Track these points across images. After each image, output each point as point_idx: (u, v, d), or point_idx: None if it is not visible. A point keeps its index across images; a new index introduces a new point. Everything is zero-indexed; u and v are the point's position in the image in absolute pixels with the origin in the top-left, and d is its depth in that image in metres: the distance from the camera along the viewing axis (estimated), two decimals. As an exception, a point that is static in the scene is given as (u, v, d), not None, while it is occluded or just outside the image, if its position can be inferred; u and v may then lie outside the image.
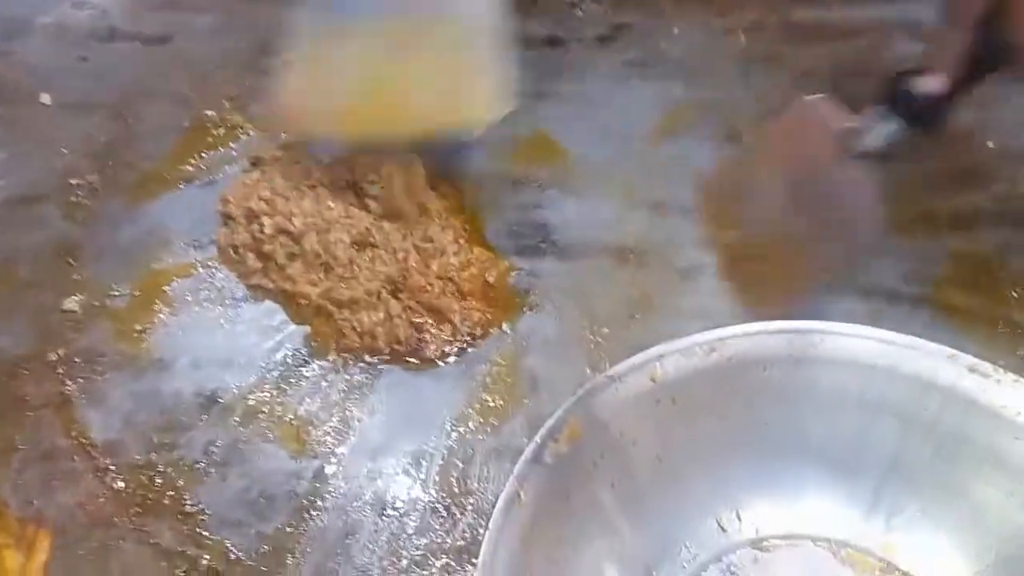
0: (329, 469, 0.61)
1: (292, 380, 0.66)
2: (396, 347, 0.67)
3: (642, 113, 0.81)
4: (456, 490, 0.60)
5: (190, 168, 0.78)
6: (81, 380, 0.65)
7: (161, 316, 0.69)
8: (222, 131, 0.81)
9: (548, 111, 0.81)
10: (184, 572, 0.57)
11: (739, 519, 0.56)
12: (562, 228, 0.74)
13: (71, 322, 0.69)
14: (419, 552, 0.58)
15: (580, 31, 0.88)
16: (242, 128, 0.81)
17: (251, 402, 0.64)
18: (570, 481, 0.53)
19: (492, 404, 0.64)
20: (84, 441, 0.63)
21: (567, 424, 0.53)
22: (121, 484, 0.61)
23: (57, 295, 0.70)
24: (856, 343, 0.56)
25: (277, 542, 0.58)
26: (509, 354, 0.67)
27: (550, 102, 0.82)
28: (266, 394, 0.65)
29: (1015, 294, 0.67)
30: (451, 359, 0.66)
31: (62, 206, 0.76)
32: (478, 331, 0.68)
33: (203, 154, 0.79)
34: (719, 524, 0.56)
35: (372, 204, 0.71)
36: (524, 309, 0.69)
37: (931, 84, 0.58)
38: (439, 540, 0.58)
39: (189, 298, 0.70)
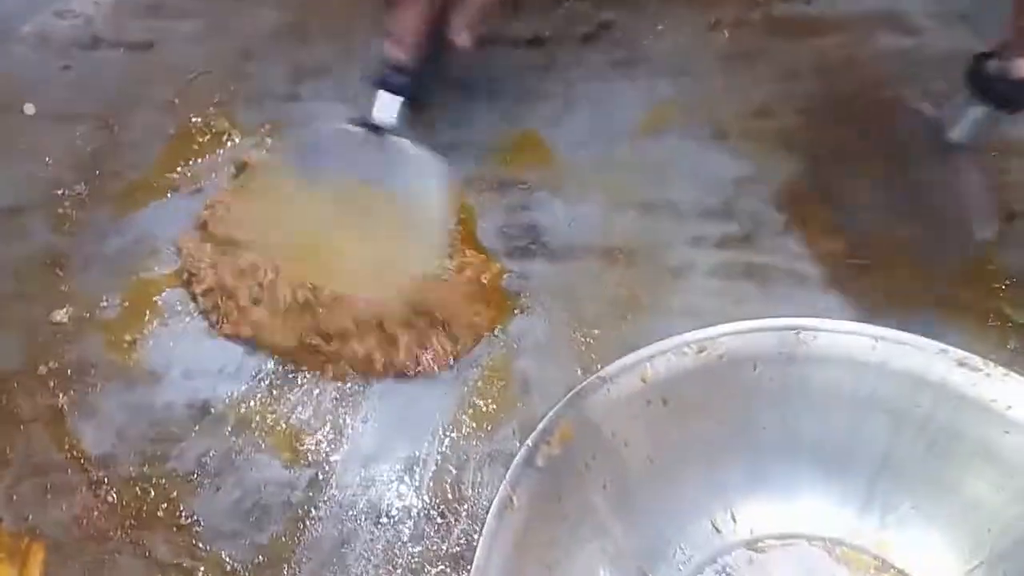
0: (323, 478, 0.61)
1: (283, 388, 0.65)
2: (393, 368, 0.66)
3: (628, 112, 0.81)
4: (450, 496, 0.60)
5: (176, 176, 0.78)
6: (73, 393, 0.65)
7: (151, 326, 0.69)
8: (208, 137, 0.81)
9: (534, 112, 0.81)
10: (180, 584, 0.57)
11: (733, 519, 0.57)
12: (551, 229, 0.73)
13: (61, 334, 0.68)
14: (415, 560, 0.58)
15: (564, 30, 0.88)
16: (228, 134, 0.81)
17: (243, 411, 0.64)
18: (562, 484, 0.53)
19: (484, 409, 0.64)
20: (77, 454, 0.63)
21: (558, 426, 0.54)
22: (115, 497, 0.61)
23: (46, 307, 0.69)
24: (847, 339, 0.57)
25: (272, 552, 0.58)
26: (500, 357, 0.67)
27: (535, 103, 0.82)
28: (258, 403, 0.65)
29: (1005, 287, 0.67)
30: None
31: (48, 217, 0.75)
32: (474, 338, 0.67)
33: (189, 161, 0.79)
34: (713, 525, 0.56)
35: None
36: (515, 311, 0.69)
37: (1019, 67, 0.58)
38: (434, 547, 0.58)
39: (179, 308, 0.70)
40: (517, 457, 0.53)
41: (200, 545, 0.59)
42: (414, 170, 0.70)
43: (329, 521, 0.60)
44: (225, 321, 0.68)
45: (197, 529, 0.59)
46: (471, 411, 0.64)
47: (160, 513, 0.60)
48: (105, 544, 0.59)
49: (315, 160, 0.71)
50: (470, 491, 0.60)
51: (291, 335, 0.67)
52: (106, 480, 0.61)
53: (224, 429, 0.64)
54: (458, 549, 0.58)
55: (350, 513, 0.60)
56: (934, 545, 0.54)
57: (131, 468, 0.62)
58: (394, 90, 0.68)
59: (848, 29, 0.86)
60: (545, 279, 0.71)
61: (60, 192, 0.77)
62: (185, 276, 0.70)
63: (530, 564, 0.51)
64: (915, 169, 0.63)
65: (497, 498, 0.51)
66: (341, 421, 0.64)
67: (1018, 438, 0.53)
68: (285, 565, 0.58)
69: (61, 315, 0.69)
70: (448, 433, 0.63)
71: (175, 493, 0.61)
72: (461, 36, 0.68)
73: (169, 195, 0.77)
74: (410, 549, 0.58)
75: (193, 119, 0.82)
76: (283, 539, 0.59)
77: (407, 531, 0.59)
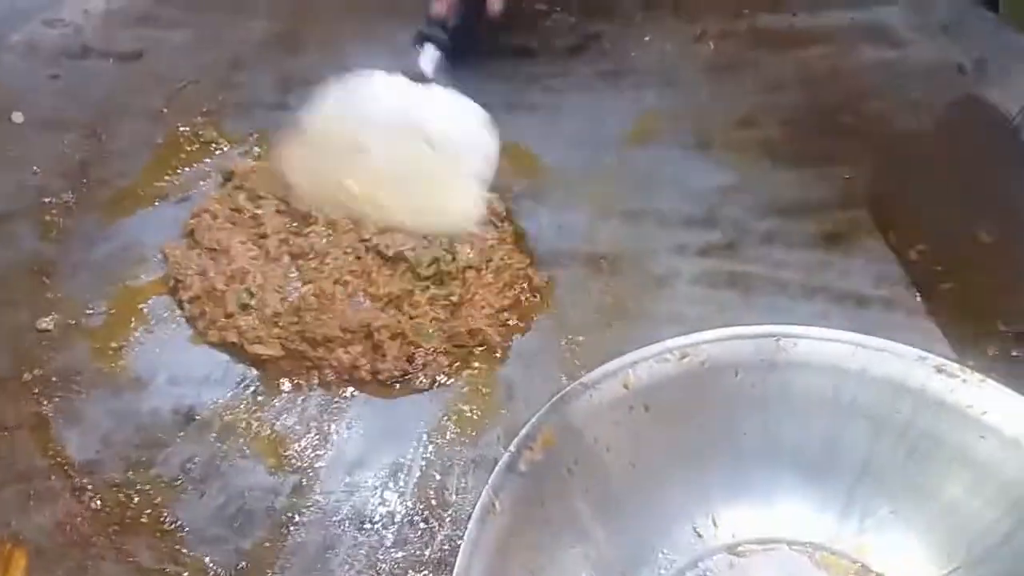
0: (307, 483, 0.62)
1: (268, 395, 0.66)
2: (379, 375, 0.66)
3: (614, 122, 0.82)
4: (434, 502, 0.60)
5: (164, 184, 0.78)
6: (58, 399, 0.65)
7: (137, 334, 0.69)
8: (196, 146, 0.81)
9: (521, 121, 0.82)
10: (163, 589, 0.58)
11: (715, 524, 0.57)
12: (537, 237, 0.74)
13: (47, 341, 0.68)
14: (398, 565, 0.58)
15: (551, 41, 0.89)
16: (216, 143, 0.81)
17: (228, 418, 0.65)
18: (545, 489, 0.54)
19: (469, 415, 0.64)
20: (61, 460, 0.63)
21: (541, 432, 0.54)
22: (99, 503, 0.61)
23: (32, 314, 0.70)
24: (828, 347, 0.57)
25: (256, 558, 0.58)
26: (485, 364, 0.67)
27: (522, 113, 0.83)
28: (243, 410, 0.65)
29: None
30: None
31: (36, 224, 0.75)
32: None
33: (177, 170, 0.79)
34: (695, 530, 0.57)
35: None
36: (501, 318, 0.70)
37: None
38: (417, 553, 0.58)
39: (165, 315, 0.70)
40: (500, 462, 0.53)
41: (184, 550, 0.59)
42: (456, 116, 0.75)
43: (313, 527, 0.60)
44: (211, 327, 0.68)
45: (181, 535, 0.59)
46: (456, 417, 0.64)
47: (144, 519, 0.60)
48: (88, 550, 0.59)
49: (362, 104, 0.75)
50: (454, 497, 0.61)
51: (277, 342, 0.67)
52: (90, 486, 0.61)
53: (209, 435, 0.64)
54: (441, 554, 0.58)
55: (334, 519, 0.60)
56: (912, 549, 0.55)
57: (115, 474, 0.62)
58: (435, 42, 0.76)
59: (832, 41, 0.87)
60: (530, 286, 0.71)
61: (48, 200, 0.77)
62: (171, 283, 0.71)
63: (513, 569, 0.51)
64: (994, 174, 0.63)
65: (479, 503, 0.51)
66: (326, 427, 0.64)
67: (994, 443, 0.53)
68: (269, 570, 0.58)
69: (47, 322, 0.69)
70: (433, 439, 0.63)
71: (159, 499, 0.61)
72: (495, 4, 0.78)
73: (156, 203, 0.77)
74: (393, 554, 0.58)
75: (181, 128, 0.83)
76: (267, 544, 0.59)
77: (391, 536, 0.59)
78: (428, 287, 0.69)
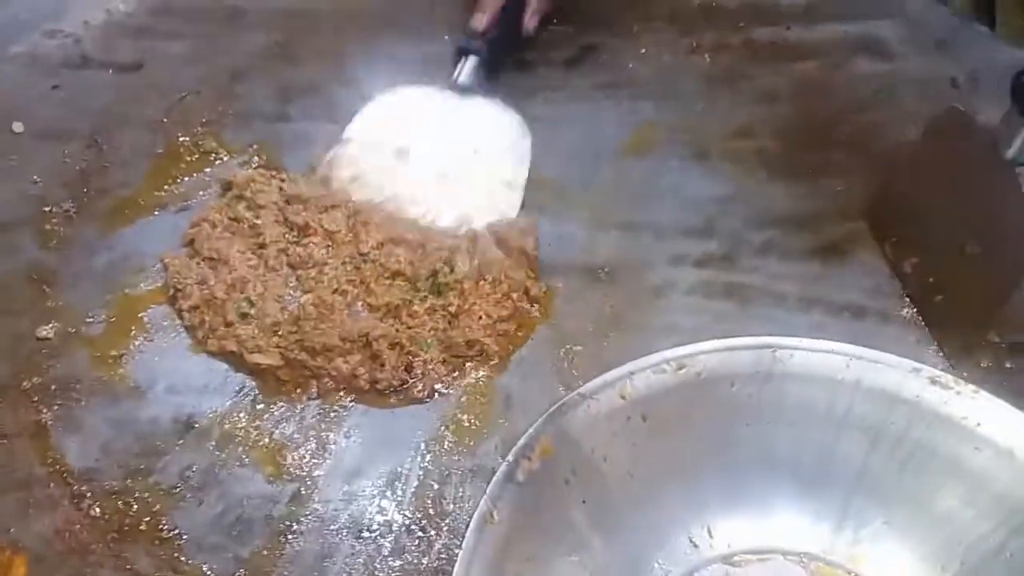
0: (305, 492, 0.62)
1: (267, 404, 0.66)
2: (377, 385, 0.67)
3: (611, 133, 0.83)
4: (432, 511, 0.61)
5: (164, 194, 0.79)
6: (57, 407, 0.66)
7: (137, 342, 0.69)
8: (195, 157, 0.82)
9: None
10: (162, 598, 0.58)
11: (711, 535, 0.57)
12: (535, 247, 0.74)
13: (47, 349, 0.69)
14: (395, 574, 0.58)
15: (549, 53, 0.89)
16: (216, 153, 0.82)
17: (227, 426, 0.65)
18: (542, 499, 0.54)
19: (467, 424, 0.65)
20: (60, 468, 0.63)
21: (539, 442, 0.54)
22: (98, 511, 0.61)
23: (32, 322, 0.70)
24: (823, 358, 0.57)
25: (254, 566, 0.59)
26: (483, 374, 0.67)
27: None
28: (242, 418, 0.65)
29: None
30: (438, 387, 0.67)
31: (36, 233, 0.76)
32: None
33: (177, 180, 0.80)
34: (691, 540, 0.57)
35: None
36: (499, 329, 0.70)
37: None
38: (415, 562, 0.59)
39: (165, 323, 0.70)
40: (498, 472, 0.53)
41: (182, 558, 0.59)
42: (494, 123, 0.81)
43: (311, 535, 0.60)
44: (211, 336, 0.68)
45: (179, 542, 0.59)
46: (453, 427, 0.65)
47: (143, 527, 0.60)
48: (87, 557, 0.59)
49: (405, 116, 0.81)
50: (452, 506, 0.61)
51: (276, 351, 0.67)
52: (89, 494, 0.62)
53: (208, 443, 0.64)
54: (438, 563, 0.58)
55: (332, 527, 0.60)
56: (906, 560, 0.55)
57: (114, 482, 0.62)
58: (474, 53, 0.81)
59: (826, 54, 0.88)
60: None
61: (48, 209, 0.77)
62: (171, 292, 0.71)
63: (510, 578, 0.52)
64: (979, 186, 0.64)
65: (477, 512, 0.51)
66: (324, 436, 0.64)
67: (988, 454, 0.54)
68: (267, 578, 0.58)
69: (47, 330, 0.69)
70: (430, 448, 0.64)
71: (158, 507, 0.61)
72: (532, 22, 0.84)
73: (156, 212, 0.78)
74: (391, 563, 0.59)
75: (181, 138, 0.83)
76: (265, 553, 0.59)
77: (388, 545, 0.59)
78: (426, 297, 0.70)
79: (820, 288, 0.71)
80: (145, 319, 0.71)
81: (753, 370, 0.58)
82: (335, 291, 0.70)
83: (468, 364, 0.68)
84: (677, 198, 0.78)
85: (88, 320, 0.70)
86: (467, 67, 0.81)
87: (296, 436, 0.64)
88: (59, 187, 0.79)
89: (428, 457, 0.63)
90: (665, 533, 0.57)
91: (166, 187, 0.79)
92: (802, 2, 0.93)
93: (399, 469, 0.63)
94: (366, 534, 0.60)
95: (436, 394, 0.66)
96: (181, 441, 0.64)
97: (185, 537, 0.60)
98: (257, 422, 0.65)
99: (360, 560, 0.59)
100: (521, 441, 0.54)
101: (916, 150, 0.71)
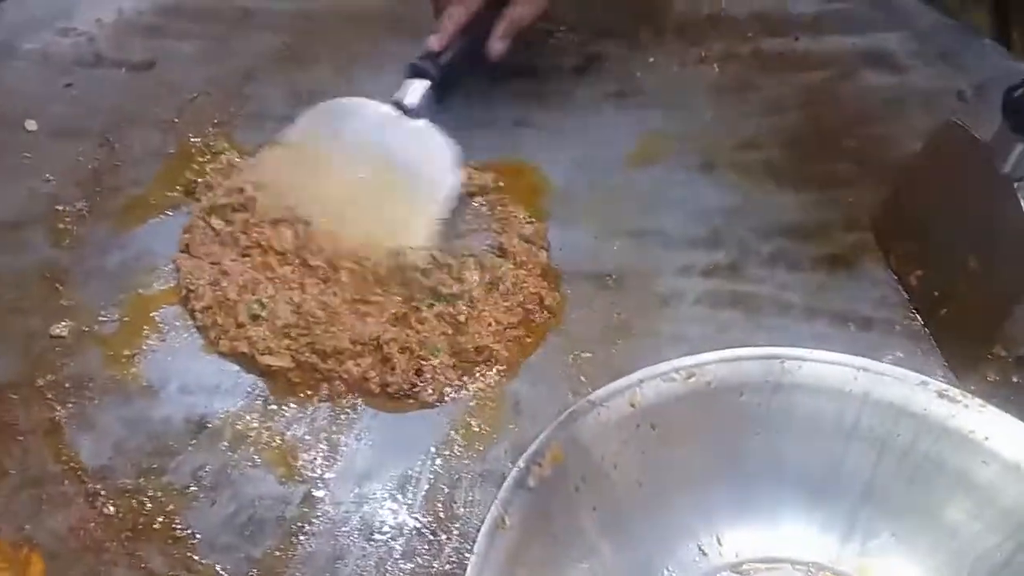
0: (317, 494, 0.62)
1: (279, 405, 0.67)
2: (388, 388, 0.67)
3: (619, 142, 0.83)
4: (442, 515, 0.61)
5: (176, 193, 0.79)
6: (71, 405, 0.66)
7: (150, 341, 0.70)
8: (207, 157, 0.82)
9: (526, 140, 0.83)
10: (175, 596, 0.58)
11: (719, 543, 0.58)
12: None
13: (60, 347, 0.69)
14: (406, 577, 0.59)
15: (556, 61, 0.90)
16: (226, 154, 0.82)
17: (239, 427, 0.65)
18: (553, 505, 0.55)
19: (477, 429, 0.65)
20: (74, 466, 0.63)
21: (549, 448, 0.55)
22: (111, 509, 0.61)
23: (45, 321, 0.70)
24: (831, 370, 0.58)
25: (267, 566, 0.59)
26: (493, 379, 0.68)
27: (528, 131, 0.84)
28: (253, 419, 0.66)
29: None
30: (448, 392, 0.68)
31: (49, 232, 0.76)
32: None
33: (189, 180, 0.80)
34: (700, 548, 0.58)
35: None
36: (509, 335, 0.71)
37: None
38: (425, 565, 0.59)
39: (177, 323, 0.71)
40: (509, 478, 0.54)
41: (195, 558, 0.59)
42: (426, 148, 0.75)
43: (322, 537, 0.60)
44: (223, 337, 0.69)
45: (192, 542, 0.60)
46: (463, 431, 0.65)
47: (156, 525, 0.61)
48: (101, 556, 0.59)
49: (340, 126, 0.77)
50: (462, 510, 0.61)
51: (287, 353, 0.68)
52: (102, 492, 0.62)
53: (220, 444, 0.64)
54: (449, 567, 0.59)
55: (343, 529, 0.61)
56: (913, 572, 0.56)
57: (127, 480, 0.63)
58: (421, 74, 0.76)
59: (833, 65, 0.89)
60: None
61: (61, 207, 0.78)
62: (183, 293, 0.72)
63: (520, 583, 0.52)
64: (978, 201, 0.65)
65: (489, 517, 0.52)
66: (335, 439, 0.65)
67: (995, 468, 0.54)
68: (278, 579, 0.59)
69: (60, 329, 0.70)
70: (441, 452, 0.64)
71: (171, 506, 0.62)
72: (497, 45, 0.78)
73: (169, 212, 0.78)
74: (402, 566, 0.59)
75: (192, 139, 0.84)
76: (277, 553, 0.60)
77: (399, 548, 0.60)
78: (434, 304, 0.70)
79: (827, 298, 0.72)
80: (157, 319, 0.71)
81: (762, 380, 0.58)
82: (344, 296, 0.70)
83: (478, 369, 0.68)
84: (684, 207, 0.78)
85: (101, 319, 0.71)
86: (416, 89, 0.75)
87: (307, 438, 0.65)
88: (72, 185, 0.79)
89: (438, 461, 0.64)
90: (674, 541, 0.57)
91: (178, 187, 0.79)
92: (811, 13, 0.93)
93: (410, 472, 0.63)
94: (377, 536, 0.60)
95: (446, 398, 0.67)
96: (194, 441, 0.65)
97: (198, 537, 0.60)
98: (269, 423, 0.66)
99: (371, 562, 0.59)
100: (532, 447, 0.55)
101: (918, 163, 0.72)
